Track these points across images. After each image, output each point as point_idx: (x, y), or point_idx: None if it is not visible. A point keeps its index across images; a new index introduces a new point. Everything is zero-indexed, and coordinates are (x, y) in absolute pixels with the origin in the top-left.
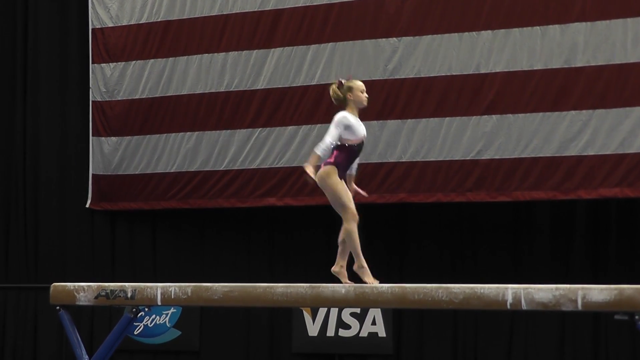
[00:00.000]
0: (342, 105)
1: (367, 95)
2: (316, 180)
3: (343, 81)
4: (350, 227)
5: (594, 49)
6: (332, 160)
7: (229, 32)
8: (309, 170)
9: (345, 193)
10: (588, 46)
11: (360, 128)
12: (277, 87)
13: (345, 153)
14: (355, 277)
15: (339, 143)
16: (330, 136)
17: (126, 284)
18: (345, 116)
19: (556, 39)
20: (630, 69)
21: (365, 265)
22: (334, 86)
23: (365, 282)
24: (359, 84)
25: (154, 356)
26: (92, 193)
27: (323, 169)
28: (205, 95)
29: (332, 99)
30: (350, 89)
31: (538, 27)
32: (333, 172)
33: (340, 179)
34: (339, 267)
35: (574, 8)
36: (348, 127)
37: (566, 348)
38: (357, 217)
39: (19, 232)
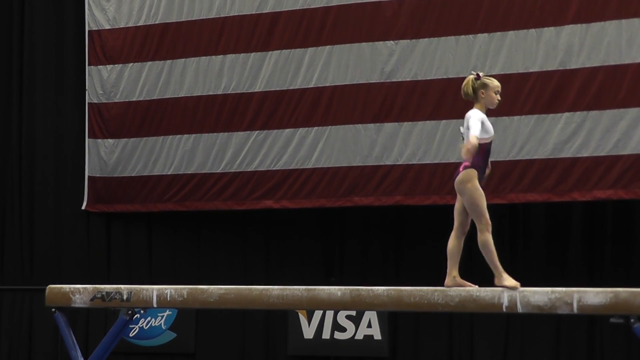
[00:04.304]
0: (471, 100)
1: (499, 98)
2: (455, 183)
3: (481, 75)
4: (485, 237)
5: (589, 50)
6: (468, 163)
7: (227, 35)
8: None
9: (483, 201)
10: (583, 48)
11: (491, 126)
12: (274, 89)
13: (481, 153)
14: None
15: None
16: (477, 130)
17: (122, 286)
18: (479, 112)
19: (551, 41)
20: (625, 70)
21: (504, 273)
22: (470, 78)
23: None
24: (496, 84)
25: (149, 358)
26: (88, 195)
27: (463, 172)
28: (202, 97)
29: (462, 92)
30: (485, 85)
31: (534, 30)
32: (474, 176)
33: (480, 182)
34: (451, 279)
35: (569, 10)
36: (483, 124)
37: (562, 351)
38: (491, 226)
39: (15, 234)
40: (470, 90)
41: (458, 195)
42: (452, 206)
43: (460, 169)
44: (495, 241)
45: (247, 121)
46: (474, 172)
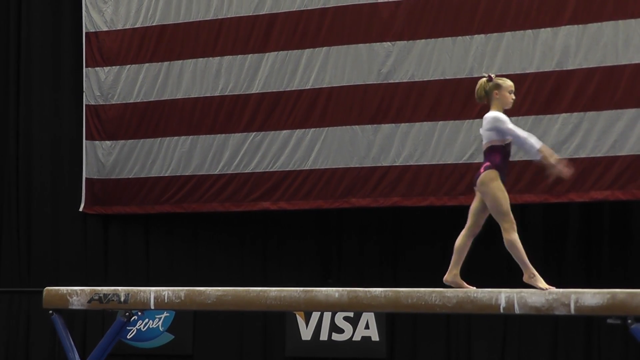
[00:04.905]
0: (485, 102)
1: (514, 97)
2: (477, 185)
3: (493, 76)
4: (511, 237)
5: (586, 51)
6: (489, 163)
7: (224, 37)
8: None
9: (506, 201)
10: (580, 49)
11: None
12: (271, 91)
13: (501, 153)
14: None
15: (493, 144)
16: (517, 129)
17: (119, 288)
18: (500, 114)
19: (548, 42)
20: (621, 71)
21: (536, 273)
22: (482, 80)
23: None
24: (509, 84)
25: None
26: (85, 197)
27: (484, 173)
28: (200, 99)
29: (476, 96)
30: (498, 86)
31: (530, 31)
32: (496, 176)
33: (502, 182)
34: (452, 276)
35: (566, 11)
36: (505, 123)
37: (559, 352)
38: (515, 225)
39: (12, 236)
40: (482, 92)
41: (477, 195)
42: (450, 207)
43: (482, 170)
44: (492, 241)
45: (245, 123)
46: (495, 173)
